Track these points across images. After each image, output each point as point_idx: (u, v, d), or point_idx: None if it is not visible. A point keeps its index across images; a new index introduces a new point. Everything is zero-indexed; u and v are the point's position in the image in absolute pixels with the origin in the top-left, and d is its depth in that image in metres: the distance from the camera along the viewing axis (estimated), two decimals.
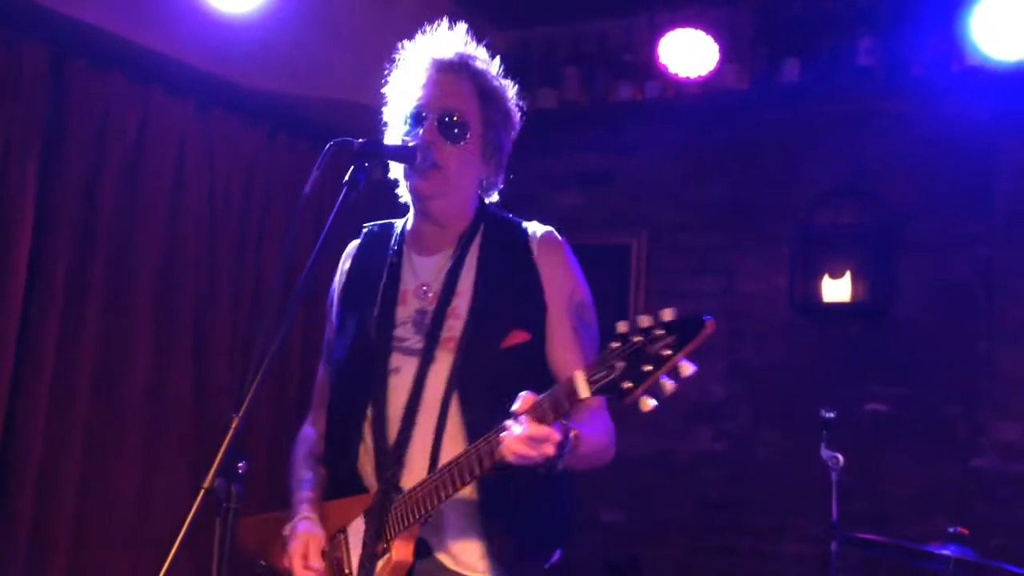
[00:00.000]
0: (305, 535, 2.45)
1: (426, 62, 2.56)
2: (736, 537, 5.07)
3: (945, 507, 4.57)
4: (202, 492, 1.85)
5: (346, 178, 2.22)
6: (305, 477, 2.61)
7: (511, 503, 2.39)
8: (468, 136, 2.51)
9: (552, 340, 2.49)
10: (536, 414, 2.10)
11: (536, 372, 2.42)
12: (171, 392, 4.45)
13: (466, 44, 2.61)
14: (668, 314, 1.95)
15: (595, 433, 2.37)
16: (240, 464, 1.90)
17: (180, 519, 1.86)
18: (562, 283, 2.53)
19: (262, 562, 2.68)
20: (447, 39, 2.60)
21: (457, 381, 2.42)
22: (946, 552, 3.45)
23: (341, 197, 2.19)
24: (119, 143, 4.31)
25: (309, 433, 2.73)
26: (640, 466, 5.18)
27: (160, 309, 4.44)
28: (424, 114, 2.51)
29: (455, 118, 2.50)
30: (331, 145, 2.22)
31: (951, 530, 3.53)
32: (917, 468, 4.73)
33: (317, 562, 2.42)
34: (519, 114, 2.65)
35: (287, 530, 2.50)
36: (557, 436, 2.09)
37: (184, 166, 4.56)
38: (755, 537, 5.02)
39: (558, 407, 2.08)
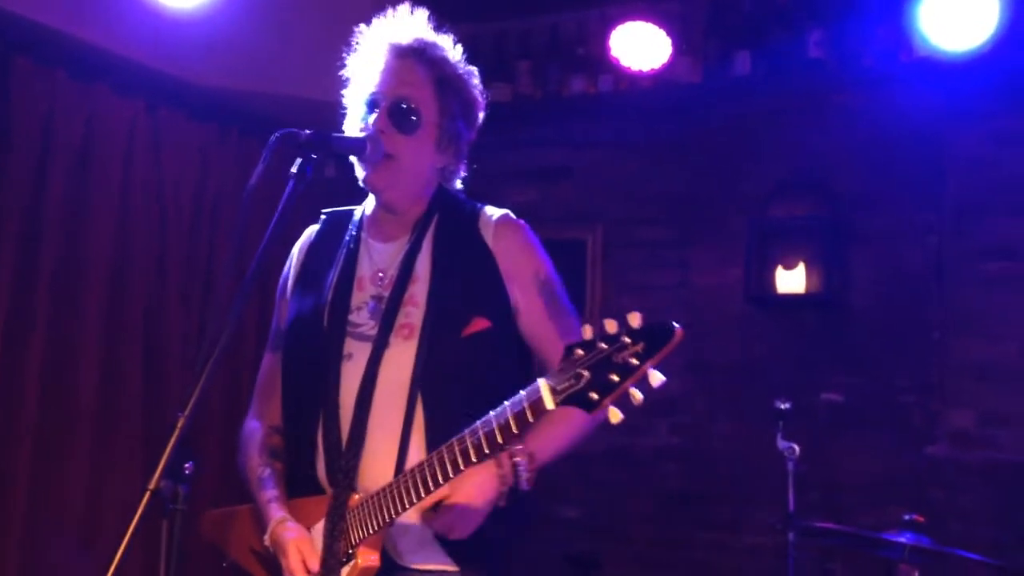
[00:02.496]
0: (295, 541, 2.36)
1: (383, 47, 2.52)
2: (694, 530, 5.07)
3: (900, 495, 4.60)
4: (147, 494, 1.81)
5: (293, 170, 2.18)
6: (264, 475, 2.52)
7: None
8: (421, 125, 2.47)
9: (527, 322, 2.47)
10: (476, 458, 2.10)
11: (499, 360, 2.40)
12: (121, 394, 4.39)
13: (425, 30, 2.56)
14: (635, 320, 1.89)
15: (555, 435, 2.36)
16: (187, 465, 1.86)
17: (130, 522, 1.82)
18: (524, 265, 2.50)
19: (228, 557, 2.63)
20: (406, 24, 2.55)
21: (415, 372, 2.37)
22: (902, 539, 3.47)
23: (288, 189, 2.15)
24: (65, 142, 4.24)
25: (256, 427, 2.64)
26: (597, 461, 5.17)
27: (110, 310, 4.38)
28: (377, 102, 2.47)
29: (408, 106, 2.45)
30: (276, 137, 2.17)
31: (906, 517, 3.55)
32: (872, 457, 4.76)
33: (316, 564, 2.34)
34: (482, 102, 2.60)
35: (268, 540, 2.41)
36: (483, 498, 2.22)
37: (132, 165, 4.49)
38: (713, 529, 5.03)
39: (520, 420, 2.03)
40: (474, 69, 2.61)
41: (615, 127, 5.41)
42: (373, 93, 2.49)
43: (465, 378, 2.22)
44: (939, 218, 4.77)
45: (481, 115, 2.61)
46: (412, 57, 2.50)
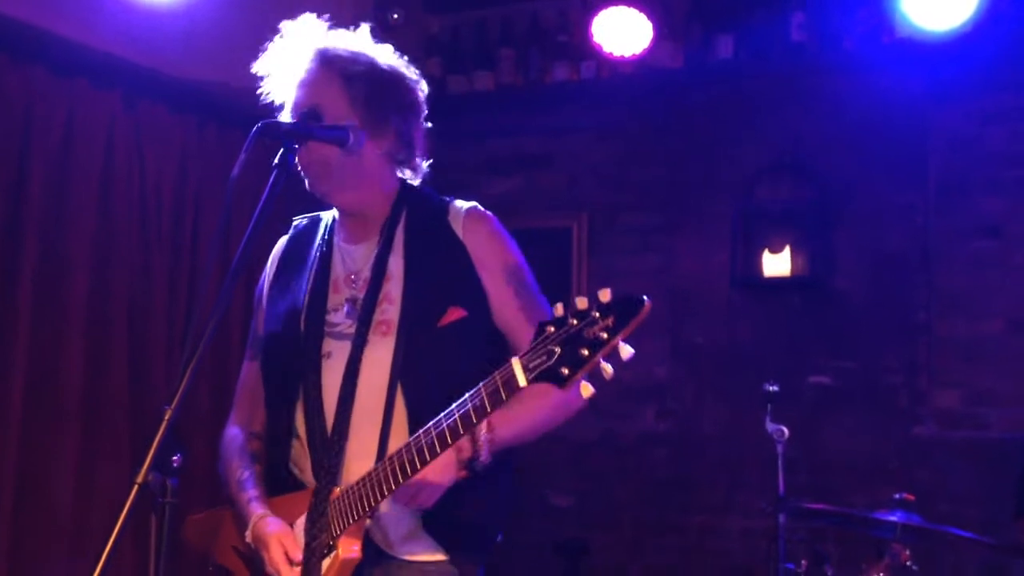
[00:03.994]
0: (277, 535, 2.36)
1: (284, 59, 2.49)
2: (684, 514, 5.08)
3: (889, 476, 4.62)
4: (135, 487, 1.79)
5: (275, 160, 2.17)
6: (244, 476, 2.53)
7: (444, 497, 2.34)
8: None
9: (499, 310, 2.48)
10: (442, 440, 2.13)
11: (476, 348, 2.42)
12: (107, 388, 4.36)
13: (326, 31, 2.50)
14: (605, 295, 1.91)
15: (514, 412, 2.33)
16: (175, 457, 1.85)
17: (118, 517, 1.80)
18: (493, 254, 2.50)
19: (214, 560, 2.62)
20: (305, 30, 2.50)
21: (395, 365, 2.38)
22: (893, 518, 3.48)
23: (271, 180, 2.14)
24: (45, 138, 4.19)
25: (236, 432, 2.65)
26: (586, 449, 5.18)
27: (93, 304, 4.34)
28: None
29: (313, 112, 2.41)
30: (259, 127, 2.16)
31: (897, 496, 3.56)
32: (860, 438, 4.77)
33: (299, 555, 2.35)
34: (413, 85, 2.54)
35: (250, 536, 2.41)
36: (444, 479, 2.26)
37: (113, 160, 4.45)
38: (703, 513, 5.04)
39: (494, 398, 2.04)
40: (393, 55, 2.54)
41: (598, 113, 5.40)
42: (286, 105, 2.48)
43: (444, 368, 2.23)
44: (923, 198, 4.78)
45: (416, 97, 2.54)
46: (313, 61, 2.45)
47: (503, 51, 5.45)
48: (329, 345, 2.46)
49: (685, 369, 5.14)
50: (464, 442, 2.26)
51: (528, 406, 2.38)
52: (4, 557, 3.95)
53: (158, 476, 1.82)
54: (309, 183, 2.49)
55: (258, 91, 2.55)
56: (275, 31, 2.54)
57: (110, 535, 1.78)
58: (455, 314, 2.43)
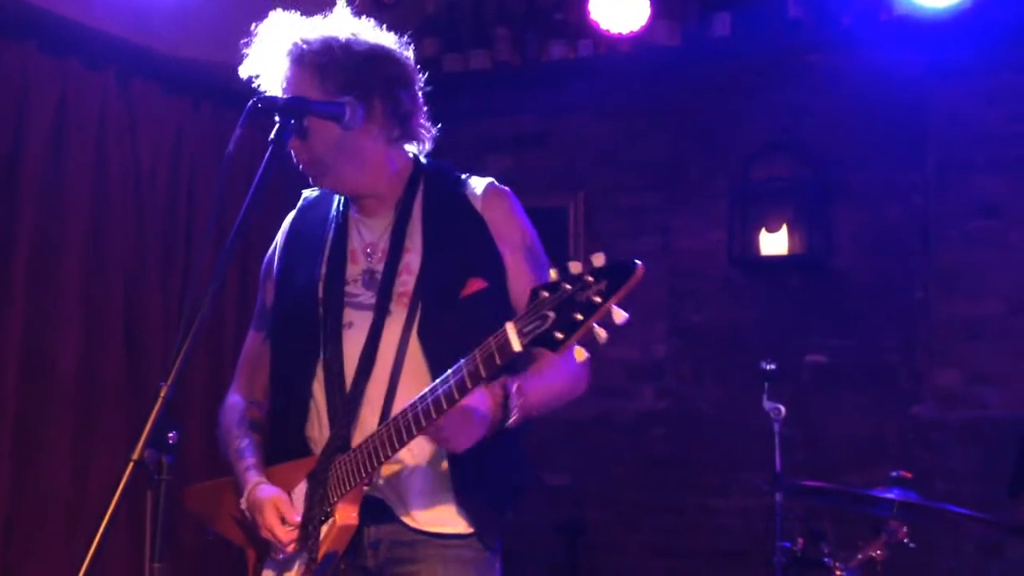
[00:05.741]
0: (271, 499, 2.37)
1: (263, 62, 2.47)
2: (682, 494, 5.08)
3: (887, 455, 4.61)
4: (131, 464, 1.78)
5: (271, 135, 2.15)
6: (242, 445, 2.53)
7: (478, 461, 2.34)
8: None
9: (514, 286, 2.48)
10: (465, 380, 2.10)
11: (497, 318, 2.40)
12: (103, 367, 4.35)
13: (298, 24, 2.46)
14: (598, 259, 1.92)
15: (545, 382, 2.37)
16: (171, 434, 1.83)
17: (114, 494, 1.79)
18: (512, 230, 2.51)
19: (212, 529, 2.64)
20: (276, 29, 2.47)
21: (419, 334, 2.39)
22: (890, 496, 3.48)
23: (267, 155, 2.12)
24: (39, 116, 4.17)
25: (236, 400, 2.65)
26: (584, 428, 5.17)
27: (89, 283, 4.33)
28: None
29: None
30: (254, 101, 2.15)
31: (894, 474, 3.55)
32: (858, 417, 4.77)
33: (296, 517, 2.35)
34: (397, 57, 2.50)
35: (244, 503, 2.42)
36: (479, 407, 2.19)
37: (106, 139, 4.43)
38: (701, 493, 5.04)
39: (489, 363, 2.05)
40: (373, 30, 2.50)
41: (595, 92, 5.37)
42: None
43: (467, 339, 2.22)
44: (922, 177, 4.76)
45: (399, 69, 2.50)
46: (287, 61, 2.43)
47: (499, 30, 5.41)
48: (350, 315, 2.46)
49: (683, 348, 5.13)
50: (499, 399, 2.26)
51: (549, 376, 2.40)
52: (0, 533, 3.95)
53: (154, 453, 1.80)
54: (313, 178, 2.49)
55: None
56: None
57: (105, 512, 1.77)
58: (476, 285, 2.43)
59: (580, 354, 1.94)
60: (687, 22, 5.10)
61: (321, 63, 2.40)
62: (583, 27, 5.11)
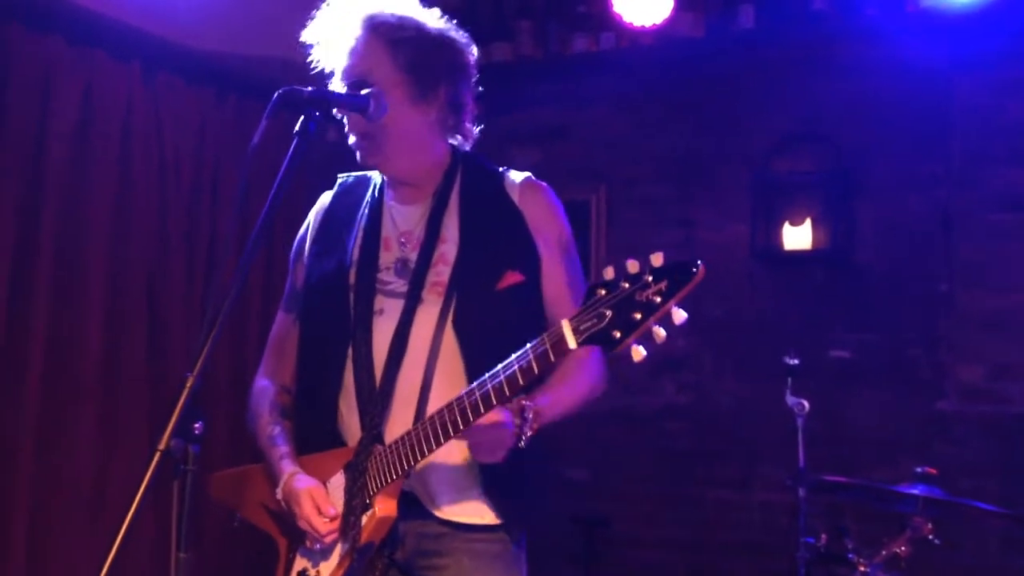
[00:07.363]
0: (308, 491, 2.37)
1: (332, 27, 2.48)
2: (703, 488, 5.07)
3: (910, 450, 4.58)
4: (157, 454, 1.79)
5: (296, 128, 2.15)
6: (275, 432, 2.53)
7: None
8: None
9: (547, 282, 2.48)
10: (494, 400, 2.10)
11: (532, 313, 2.43)
12: (127, 358, 4.37)
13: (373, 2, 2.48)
14: (658, 259, 1.91)
15: (563, 396, 2.37)
16: (197, 424, 1.84)
17: (139, 484, 1.79)
18: (550, 225, 2.52)
19: (238, 516, 2.64)
20: None
21: (455, 326, 2.38)
22: (915, 491, 3.46)
23: (292, 147, 2.12)
24: (64, 109, 4.19)
25: (266, 385, 2.65)
26: (604, 422, 5.16)
27: (113, 274, 4.35)
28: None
29: (362, 82, 2.40)
30: (279, 94, 2.14)
31: (919, 470, 3.54)
32: (881, 412, 4.74)
33: (332, 509, 2.36)
34: (464, 49, 2.54)
35: (280, 493, 2.42)
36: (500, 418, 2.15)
37: (131, 131, 4.45)
38: (723, 487, 5.02)
39: (543, 360, 2.03)
40: (441, 19, 2.55)
41: (617, 85, 5.36)
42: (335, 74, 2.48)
43: (503, 331, 2.21)
44: (946, 170, 4.73)
45: (464, 59, 2.54)
46: (361, 28, 2.44)
47: (521, 22, 5.40)
48: (381, 302, 2.45)
49: (704, 342, 5.11)
50: (518, 418, 2.23)
51: (571, 383, 2.40)
52: (24, 529, 3.98)
53: (180, 443, 1.81)
54: (359, 156, 2.49)
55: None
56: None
57: (132, 502, 1.77)
58: (512, 278, 2.43)
59: (637, 353, 1.93)
60: (710, 15, 5.07)
61: (396, 37, 2.42)
62: (606, 20, 5.09)
